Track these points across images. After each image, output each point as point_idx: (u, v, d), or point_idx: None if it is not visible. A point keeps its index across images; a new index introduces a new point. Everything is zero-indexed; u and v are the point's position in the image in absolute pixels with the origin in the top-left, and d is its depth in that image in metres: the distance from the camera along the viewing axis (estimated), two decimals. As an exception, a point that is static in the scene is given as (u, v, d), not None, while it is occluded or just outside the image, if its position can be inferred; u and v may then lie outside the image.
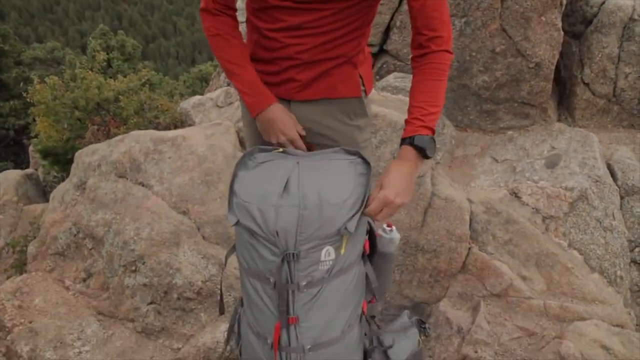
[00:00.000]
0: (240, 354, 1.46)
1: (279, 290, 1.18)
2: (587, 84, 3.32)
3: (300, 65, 1.32)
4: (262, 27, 1.32)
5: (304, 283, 1.17)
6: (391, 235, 1.37)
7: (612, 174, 2.76)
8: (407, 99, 2.98)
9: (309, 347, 1.23)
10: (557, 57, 3.10)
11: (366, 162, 1.26)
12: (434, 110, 1.26)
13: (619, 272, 2.44)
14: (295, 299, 1.19)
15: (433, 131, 1.25)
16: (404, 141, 1.26)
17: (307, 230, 1.14)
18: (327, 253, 1.18)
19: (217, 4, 1.35)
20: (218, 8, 1.35)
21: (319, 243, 1.16)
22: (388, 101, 2.78)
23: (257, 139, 1.45)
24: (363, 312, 1.37)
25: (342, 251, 1.20)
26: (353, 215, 1.16)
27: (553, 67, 3.10)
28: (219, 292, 1.49)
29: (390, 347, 1.50)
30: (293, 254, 1.15)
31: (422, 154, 1.25)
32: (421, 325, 1.70)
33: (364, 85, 1.42)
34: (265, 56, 1.36)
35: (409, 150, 1.25)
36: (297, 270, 1.17)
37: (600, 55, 3.25)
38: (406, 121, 1.29)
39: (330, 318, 1.24)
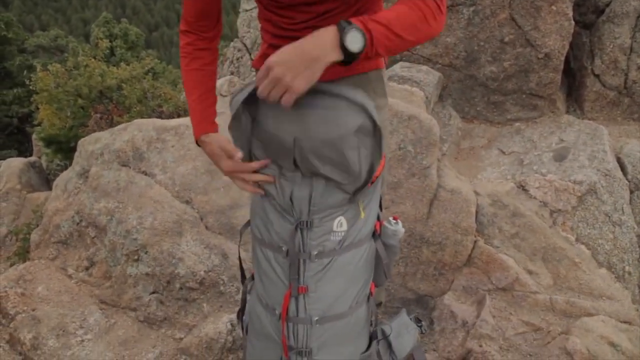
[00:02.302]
0: (246, 332, 1.45)
1: (291, 259, 1.21)
2: (597, 76, 3.26)
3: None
4: (282, 23, 1.23)
5: (316, 252, 1.20)
6: (395, 228, 1.39)
7: (622, 168, 2.72)
8: (414, 89, 2.93)
9: (316, 319, 1.23)
10: (567, 47, 3.05)
11: (373, 122, 1.11)
12: (385, 22, 1.00)
13: (627, 268, 2.41)
14: (306, 268, 1.21)
15: (369, 32, 0.98)
16: None
17: (320, 200, 1.17)
18: (339, 224, 1.20)
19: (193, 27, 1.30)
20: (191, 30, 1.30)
21: (331, 212, 1.19)
22: (394, 91, 2.74)
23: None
24: (371, 294, 1.37)
25: (362, 215, 1.22)
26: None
27: (563, 58, 3.05)
28: (239, 262, 1.52)
29: (390, 334, 1.52)
30: (306, 221, 1.18)
31: (341, 39, 0.97)
32: (418, 323, 1.72)
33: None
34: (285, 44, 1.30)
35: (326, 29, 0.99)
36: (310, 239, 1.19)
37: (611, 46, 3.18)
38: None
39: (340, 291, 1.25)
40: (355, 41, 0.97)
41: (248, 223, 1.36)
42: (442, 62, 3.19)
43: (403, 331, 1.61)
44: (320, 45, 0.98)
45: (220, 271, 2.38)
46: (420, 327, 1.73)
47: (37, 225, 3.01)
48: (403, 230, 1.39)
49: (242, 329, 1.50)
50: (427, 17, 1.05)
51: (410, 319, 1.72)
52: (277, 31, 1.26)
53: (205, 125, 1.29)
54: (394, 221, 1.39)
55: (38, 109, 5.67)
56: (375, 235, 1.31)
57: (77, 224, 2.74)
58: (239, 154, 1.21)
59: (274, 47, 1.26)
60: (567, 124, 2.99)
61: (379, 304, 1.83)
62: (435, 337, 2.26)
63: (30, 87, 5.35)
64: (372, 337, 1.41)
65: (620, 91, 3.24)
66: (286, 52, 0.98)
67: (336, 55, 0.98)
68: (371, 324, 1.40)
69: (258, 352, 1.35)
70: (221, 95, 3.55)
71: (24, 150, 12.56)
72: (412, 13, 1.03)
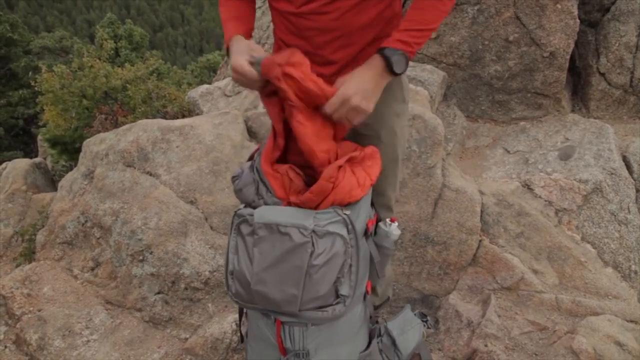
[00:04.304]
0: (247, 336, 1.46)
1: None
2: (602, 74, 3.24)
3: (333, 40, 1.27)
4: (287, 11, 1.27)
5: None
6: (389, 229, 1.35)
7: (628, 167, 2.70)
8: (418, 88, 2.92)
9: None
10: (572, 46, 3.03)
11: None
12: (420, 27, 1.21)
13: (633, 267, 2.39)
14: None
15: (411, 49, 1.20)
16: (377, 51, 1.23)
17: None
18: None
19: None
20: None
21: None
22: (398, 91, 2.73)
23: None
24: (367, 292, 1.36)
25: None
26: None
27: (568, 57, 3.04)
28: None
29: (393, 332, 1.51)
30: None
31: (389, 66, 1.19)
32: (423, 318, 1.70)
33: None
34: (297, 43, 1.30)
35: (375, 58, 1.21)
36: None
37: (617, 44, 3.16)
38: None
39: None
40: (400, 65, 1.20)
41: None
42: (446, 61, 3.18)
43: (407, 327, 1.59)
44: (377, 75, 1.20)
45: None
46: (426, 322, 1.71)
47: (43, 226, 3.03)
48: (399, 232, 1.36)
49: (241, 333, 1.50)
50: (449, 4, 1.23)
51: (415, 314, 1.71)
52: (285, 22, 1.31)
53: (236, 31, 1.33)
54: (390, 223, 1.37)
55: (43, 110, 5.69)
56: (367, 233, 1.29)
57: (83, 224, 2.75)
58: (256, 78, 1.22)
59: (285, 43, 1.33)
60: (572, 123, 2.98)
61: (386, 299, 1.82)
62: (441, 337, 2.26)
63: (36, 89, 5.39)
64: (372, 336, 1.40)
65: (626, 89, 3.22)
66: (356, 84, 1.18)
67: (388, 78, 1.22)
68: (373, 322, 1.39)
69: (257, 355, 1.35)
70: (225, 95, 3.56)
71: (30, 151, 12.64)
72: (441, 4, 1.21)
